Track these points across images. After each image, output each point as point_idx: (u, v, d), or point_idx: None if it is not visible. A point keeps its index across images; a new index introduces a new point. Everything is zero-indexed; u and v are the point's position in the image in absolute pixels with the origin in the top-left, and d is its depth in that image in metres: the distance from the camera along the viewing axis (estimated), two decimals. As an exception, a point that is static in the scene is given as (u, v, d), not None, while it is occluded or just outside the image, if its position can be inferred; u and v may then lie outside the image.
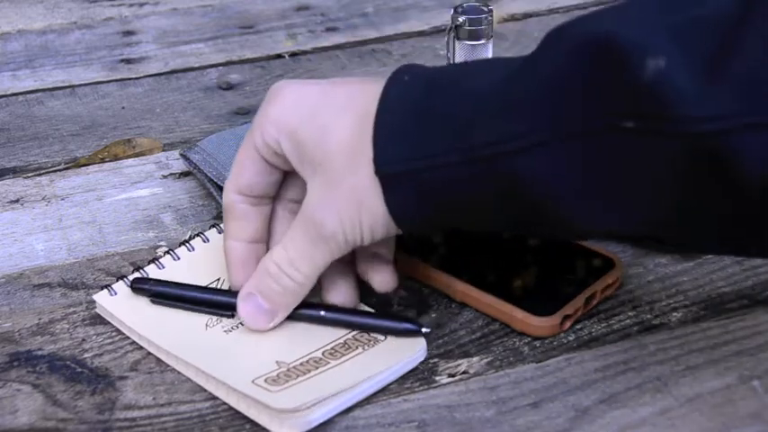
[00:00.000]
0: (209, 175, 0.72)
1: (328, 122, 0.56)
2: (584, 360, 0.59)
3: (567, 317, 0.61)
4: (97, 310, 0.63)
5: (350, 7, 1.01)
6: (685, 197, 0.49)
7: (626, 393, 0.57)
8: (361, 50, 0.93)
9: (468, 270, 0.63)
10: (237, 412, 0.56)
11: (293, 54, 0.93)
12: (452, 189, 0.53)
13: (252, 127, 0.59)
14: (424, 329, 0.59)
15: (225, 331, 0.60)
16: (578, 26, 0.51)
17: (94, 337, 0.62)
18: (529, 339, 0.60)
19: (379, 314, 0.61)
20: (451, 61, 0.75)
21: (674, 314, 0.62)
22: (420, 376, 0.58)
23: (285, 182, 0.61)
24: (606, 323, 0.62)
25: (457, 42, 0.75)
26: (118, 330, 0.62)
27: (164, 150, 0.80)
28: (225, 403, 0.57)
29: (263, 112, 0.58)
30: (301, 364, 0.58)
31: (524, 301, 0.61)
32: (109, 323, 0.62)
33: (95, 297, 0.63)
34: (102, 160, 0.79)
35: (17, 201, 0.74)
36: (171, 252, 0.65)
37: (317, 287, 0.60)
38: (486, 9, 0.75)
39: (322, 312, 0.60)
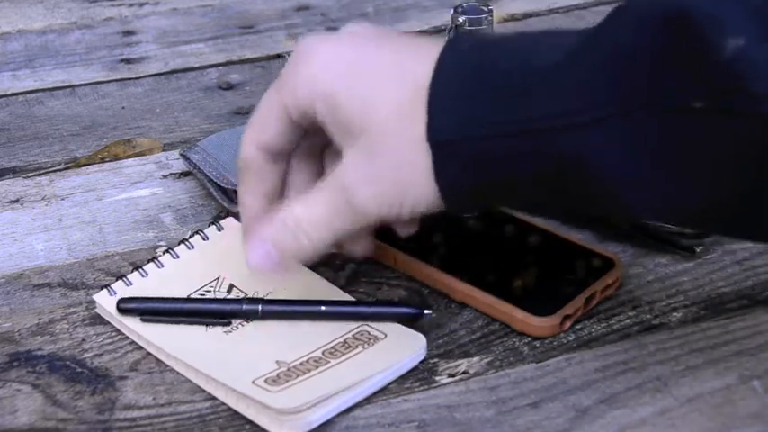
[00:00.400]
0: (209, 175, 0.72)
1: (373, 91, 0.53)
2: (584, 360, 0.59)
3: (567, 317, 0.61)
4: (97, 310, 0.63)
5: (350, 7, 1.01)
6: (751, 180, 0.47)
7: (626, 393, 0.57)
8: (361, 50, 0.93)
9: (468, 270, 0.63)
10: (237, 412, 0.56)
11: (293, 54, 0.93)
12: (507, 162, 0.51)
13: (279, 83, 0.56)
14: (426, 312, 0.59)
15: (225, 332, 0.60)
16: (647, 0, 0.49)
17: (94, 337, 0.62)
18: (529, 339, 0.60)
19: (378, 302, 0.61)
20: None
21: (674, 314, 0.62)
22: (420, 376, 0.58)
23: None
24: (606, 323, 0.62)
25: (457, 42, 0.75)
26: (118, 330, 0.62)
27: (164, 150, 0.80)
28: (225, 403, 0.57)
29: (294, 69, 0.55)
30: (301, 363, 0.58)
31: (524, 301, 0.61)
32: (109, 323, 0.62)
33: (95, 297, 0.63)
34: (102, 160, 0.79)
35: (17, 201, 0.74)
36: (170, 250, 0.65)
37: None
38: (486, 9, 0.75)
39: (322, 308, 0.60)
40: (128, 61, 0.92)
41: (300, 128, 0.57)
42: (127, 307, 0.61)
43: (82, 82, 0.89)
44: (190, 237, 0.66)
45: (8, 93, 0.88)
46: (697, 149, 0.48)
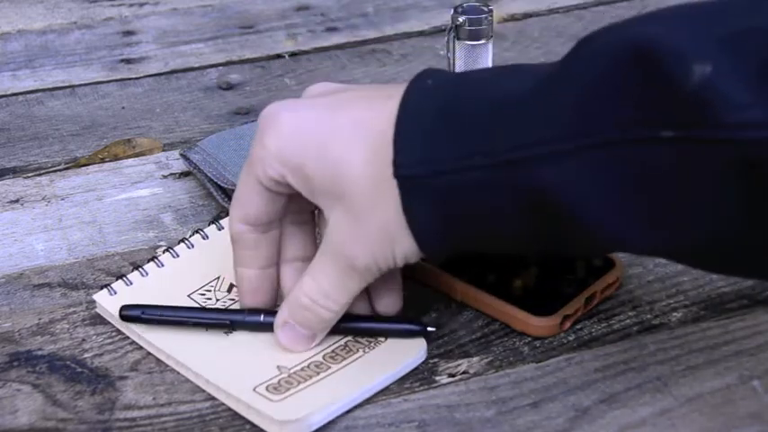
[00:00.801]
0: (209, 175, 0.72)
1: (340, 156, 0.53)
2: (584, 360, 0.59)
3: (566, 317, 0.61)
4: (97, 310, 0.63)
5: (350, 7, 1.01)
6: (731, 211, 0.46)
7: (626, 393, 0.57)
8: (361, 50, 0.93)
9: (468, 270, 0.63)
10: (237, 413, 0.56)
11: (293, 54, 0.93)
12: (475, 197, 0.50)
13: (250, 160, 0.56)
14: (429, 329, 0.59)
15: (225, 332, 0.60)
16: (615, 31, 0.48)
17: (94, 337, 0.62)
18: (529, 339, 0.60)
19: (382, 318, 0.60)
20: (451, 61, 0.75)
21: (674, 314, 0.62)
22: (420, 376, 0.58)
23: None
24: (606, 323, 0.62)
25: (457, 42, 0.75)
26: (118, 330, 0.62)
27: (164, 150, 0.80)
28: (224, 403, 0.57)
29: (260, 143, 0.56)
30: (302, 369, 0.57)
31: (524, 301, 0.61)
32: (109, 323, 0.62)
33: (95, 297, 0.63)
34: (102, 160, 0.79)
35: (17, 201, 0.74)
36: (170, 250, 0.65)
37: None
38: (486, 9, 0.75)
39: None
40: (128, 61, 0.92)
41: (282, 195, 0.57)
42: (129, 314, 0.60)
43: (82, 82, 0.89)
44: (190, 236, 0.66)
45: (8, 93, 0.88)
46: (673, 179, 0.47)
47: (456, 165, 0.50)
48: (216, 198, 0.72)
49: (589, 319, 0.62)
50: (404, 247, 0.53)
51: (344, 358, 0.58)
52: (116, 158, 0.79)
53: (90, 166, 0.78)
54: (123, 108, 0.85)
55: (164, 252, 0.65)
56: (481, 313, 0.62)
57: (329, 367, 0.58)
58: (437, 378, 0.58)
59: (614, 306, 0.63)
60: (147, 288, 0.63)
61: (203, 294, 0.63)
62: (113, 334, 0.62)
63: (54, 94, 0.88)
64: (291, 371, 0.57)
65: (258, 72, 0.90)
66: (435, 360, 0.59)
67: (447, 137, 0.51)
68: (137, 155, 0.79)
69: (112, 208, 0.73)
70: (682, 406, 0.56)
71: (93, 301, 0.63)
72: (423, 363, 0.59)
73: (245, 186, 0.57)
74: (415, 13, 0.99)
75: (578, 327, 0.61)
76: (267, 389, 0.56)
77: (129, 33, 0.97)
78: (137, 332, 0.61)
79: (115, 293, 0.62)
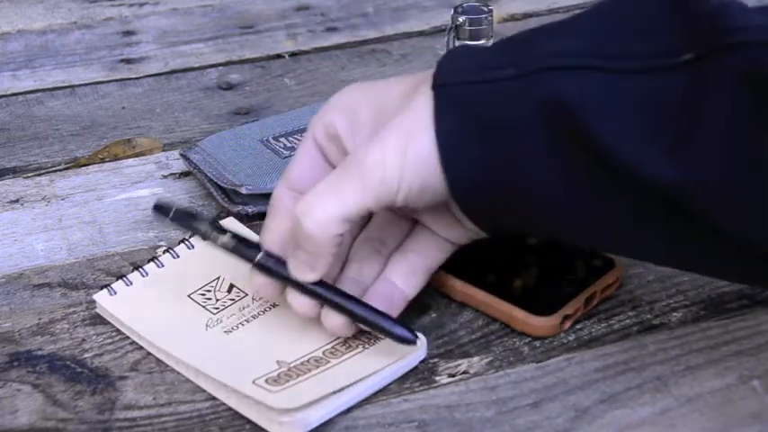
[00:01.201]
0: (209, 175, 0.72)
1: (388, 98, 0.57)
2: (584, 360, 0.59)
3: (567, 317, 0.61)
4: (97, 310, 0.63)
5: (350, 7, 1.01)
6: (749, 137, 0.48)
7: (626, 393, 0.57)
8: (361, 50, 0.93)
9: (469, 270, 0.63)
10: (237, 412, 0.56)
11: (293, 54, 0.93)
12: (500, 102, 0.53)
13: (311, 121, 0.60)
14: (419, 341, 0.58)
15: (225, 332, 0.60)
16: None
17: (94, 337, 0.62)
18: (529, 339, 0.60)
19: (381, 313, 0.60)
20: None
21: (674, 314, 0.62)
22: (420, 376, 0.58)
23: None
24: (606, 323, 0.62)
25: (457, 42, 0.75)
26: (118, 330, 0.62)
27: (164, 150, 0.80)
28: (225, 403, 0.57)
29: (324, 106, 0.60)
30: (302, 363, 0.58)
31: (524, 301, 0.61)
32: (109, 323, 0.62)
33: (95, 297, 0.63)
34: (102, 160, 0.79)
35: (17, 201, 0.74)
36: (170, 250, 0.65)
37: None
38: (486, 9, 0.75)
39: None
40: (128, 61, 0.92)
41: (323, 159, 0.59)
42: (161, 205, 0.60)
43: (82, 82, 0.89)
44: (190, 236, 0.66)
45: (8, 93, 0.88)
46: (689, 107, 0.49)
47: (487, 75, 0.54)
48: (216, 198, 0.72)
49: (589, 319, 0.62)
50: (419, 147, 0.54)
51: (344, 354, 0.58)
52: (116, 158, 0.79)
53: (90, 166, 0.78)
54: (123, 108, 0.86)
55: (164, 252, 0.65)
56: (481, 313, 0.62)
57: (329, 362, 0.58)
58: (437, 378, 0.58)
59: (614, 306, 0.63)
60: (147, 288, 0.63)
61: (203, 294, 0.63)
62: (113, 334, 0.62)
63: (54, 94, 0.88)
64: (291, 365, 0.57)
65: (258, 72, 0.90)
66: (435, 360, 0.59)
67: (483, 56, 0.55)
68: (137, 155, 0.79)
69: (112, 208, 0.73)
70: (682, 406, 0.56)
71: (93, 301, 0.63)
72: (423, 363, 0.59)
73: (298, 149, 0.60)
74: (415, 13, 0.99)
75: (578, 327, 0.61)
76: (267, 381, 0.56)
77: (129, 33, 0.97)
78: (136, 332, 0.61)
79: (115, 293, 0.63)
